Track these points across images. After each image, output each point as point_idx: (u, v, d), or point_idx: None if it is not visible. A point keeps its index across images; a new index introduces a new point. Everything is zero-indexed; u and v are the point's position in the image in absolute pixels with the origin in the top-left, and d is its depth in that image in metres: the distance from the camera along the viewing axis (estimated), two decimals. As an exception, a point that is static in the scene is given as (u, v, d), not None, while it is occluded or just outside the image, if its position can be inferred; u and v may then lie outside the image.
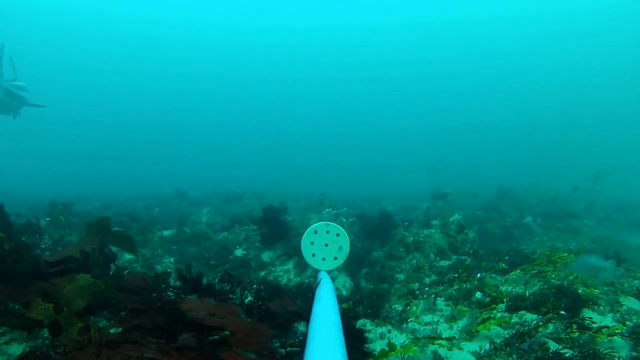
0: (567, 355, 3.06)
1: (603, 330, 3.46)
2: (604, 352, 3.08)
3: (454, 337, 3.61)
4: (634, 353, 3.23)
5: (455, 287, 4.86)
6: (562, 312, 3.84)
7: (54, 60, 57.05)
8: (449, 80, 59.82)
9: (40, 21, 54.45)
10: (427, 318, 4.09)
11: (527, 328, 3.43)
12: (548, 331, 3.51)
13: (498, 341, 3.30)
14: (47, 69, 56.17)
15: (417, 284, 5.08)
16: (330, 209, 6.63)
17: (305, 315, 2.67)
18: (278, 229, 6.10)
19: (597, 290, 4.48)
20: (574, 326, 3.52)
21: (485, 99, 58.93)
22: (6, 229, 3.70)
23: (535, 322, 3.57)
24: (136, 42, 59.79)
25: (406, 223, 6.86)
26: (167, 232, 8.45)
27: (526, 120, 53.78)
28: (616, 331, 3.48)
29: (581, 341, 3.22)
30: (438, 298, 4.60)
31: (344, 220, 6.48)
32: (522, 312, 4.05)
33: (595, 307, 4.06)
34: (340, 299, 4.36)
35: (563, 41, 53.63)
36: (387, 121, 62.14)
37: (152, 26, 59.52)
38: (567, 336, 3.33)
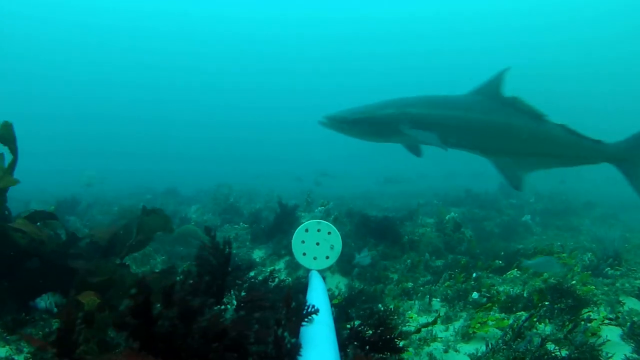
0: (564, 354, 2.96)
1: (594, 323, 3.45)
2: (601, 347, 3.02)
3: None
4: (635, 355, 3.13)
5: (447, 283, 4.75)
6: (546, 302, 3.83)
7: (42, 52, 56.06)
8: (442, 74, 59.47)
9: (29, 13, 53.59)
10: (422, 319, 3.98)
11: (523, 328, 3.31)
12: (547, 332, 3.40)
13: (494, 343, 3.19)
14: (36, 62, 55.48)
15: (410, 283, 4.96)
16: (323, 207, 6.50)
17: None
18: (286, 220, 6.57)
19: (596, 289, 4.40)
20: (567, 323, 3.47)
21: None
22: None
23: (527, 316, 3.48)
24: (126, 35, 58.79)
25: (399, 222, 6.74)
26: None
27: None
28: (610, 320, 3.54)
29: (577, 341, 3.11)
30: (433, 299, 4.49)
31: (332, 216, 6.37)
32: (520, 312, 3.95)
33: (595, 308, 3.97)
34: (332, 299, 4.25)
35: (559, 34, 53.34)
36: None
37: (143, 18, 58.81)
38: (565, 337, 3.23)
